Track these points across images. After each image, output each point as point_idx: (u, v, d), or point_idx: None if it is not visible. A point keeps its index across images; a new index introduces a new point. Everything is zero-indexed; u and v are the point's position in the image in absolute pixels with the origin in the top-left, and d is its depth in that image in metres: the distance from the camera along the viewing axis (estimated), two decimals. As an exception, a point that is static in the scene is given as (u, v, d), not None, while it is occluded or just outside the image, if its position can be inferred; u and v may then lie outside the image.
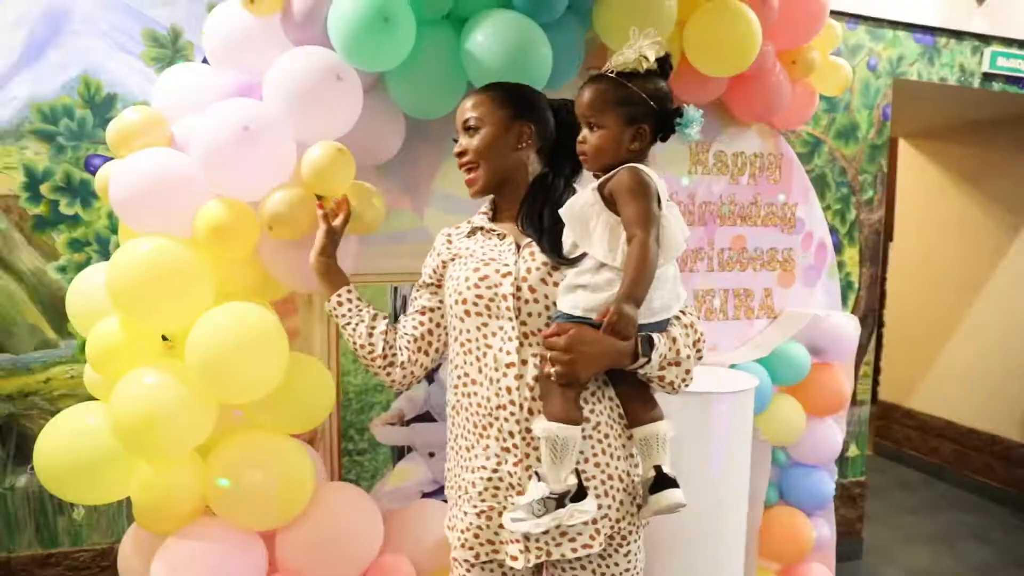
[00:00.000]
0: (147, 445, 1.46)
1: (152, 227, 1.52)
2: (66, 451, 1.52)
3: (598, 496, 1.24)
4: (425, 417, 2.10)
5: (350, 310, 1.43)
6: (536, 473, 1.20)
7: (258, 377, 1.48)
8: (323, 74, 1.52)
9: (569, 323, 1.19)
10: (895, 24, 3.01)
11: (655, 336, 1.20)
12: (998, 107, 3.56)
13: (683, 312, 1.28)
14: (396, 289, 2.05)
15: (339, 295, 1.43)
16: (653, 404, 1.27)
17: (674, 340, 1.23)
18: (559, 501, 1.16)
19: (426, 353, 1.44)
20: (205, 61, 2.13)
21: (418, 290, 1.46)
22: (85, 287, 1.64)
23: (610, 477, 1.27)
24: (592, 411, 1.26)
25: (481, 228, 1.39)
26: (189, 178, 1.51)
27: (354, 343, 1.42)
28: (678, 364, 1.24)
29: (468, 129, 1.35)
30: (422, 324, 1.43)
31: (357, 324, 1.42)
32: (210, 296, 1.52)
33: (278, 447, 1.60)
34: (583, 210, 1.22)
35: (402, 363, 1.42)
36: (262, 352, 1.46)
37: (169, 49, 2.17)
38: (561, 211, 1.23)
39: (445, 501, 1.82)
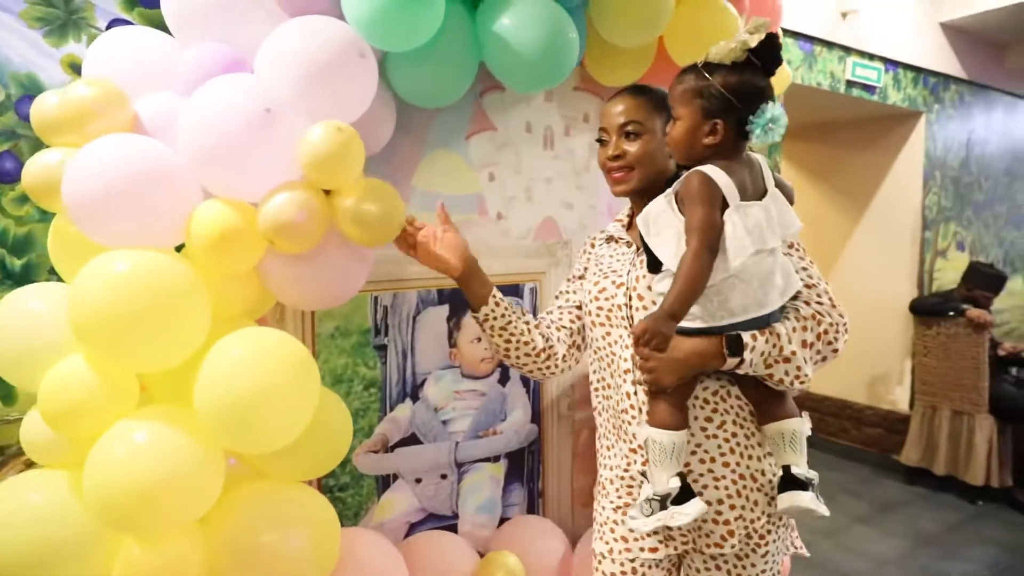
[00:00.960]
0: (145, 523, 1.13)
1: (123, 237, 1.18)
2: (13, 541, 1.13)
3: (729, 496, 1.24)
4: (410, 440, 1.88)
5: (507, 309, 1.44)
6: (643, 474, 1.27)
7: (290, 423, 1.20)
8: (345, 50, 1.27)
9: None
10: (785, 31, 3.25)
11: (745, 335, 1.16)
12: (851, 110, 4.02)
13: (807, 303, 1.24)
14: (376, 299, 1.81)
15: (495, 296, 1.43)
16: (781, 401, 1.23)
17: (778, 336, 1.18)
18: (662, 503, 1.17)
19: (579, 348, 1.49)
20: (114, 24, 1.74)
21: (570, 282, 1.55)
22: (10, 319, 1.23)
23: (741, 476, 1.24)
24: (715, 410, 1.26)
25: (613, 237, 1.46)
26: (175, 173, 1.19)
27: (511, 343, 1.44)
28: (787, 361, 1.18)
29: (628, 135, 1.34)
30: (578, 319, 1.48)
31: (516, 322, 1.44)
32: (207, 324, 1.21)
33: (298, 500, 1.32)
34: (658, 216, 1.21)
35: (563, 356, 1.48)
36: (296, 391, 1.18)
37: (60, 9, 1.71)
38: (638, 218, 1.25)
39: (446, 529, 1.87)
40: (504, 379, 2.02)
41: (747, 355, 1.16)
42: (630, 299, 1.31)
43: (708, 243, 1.12)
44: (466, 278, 1.42)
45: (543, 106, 2.04)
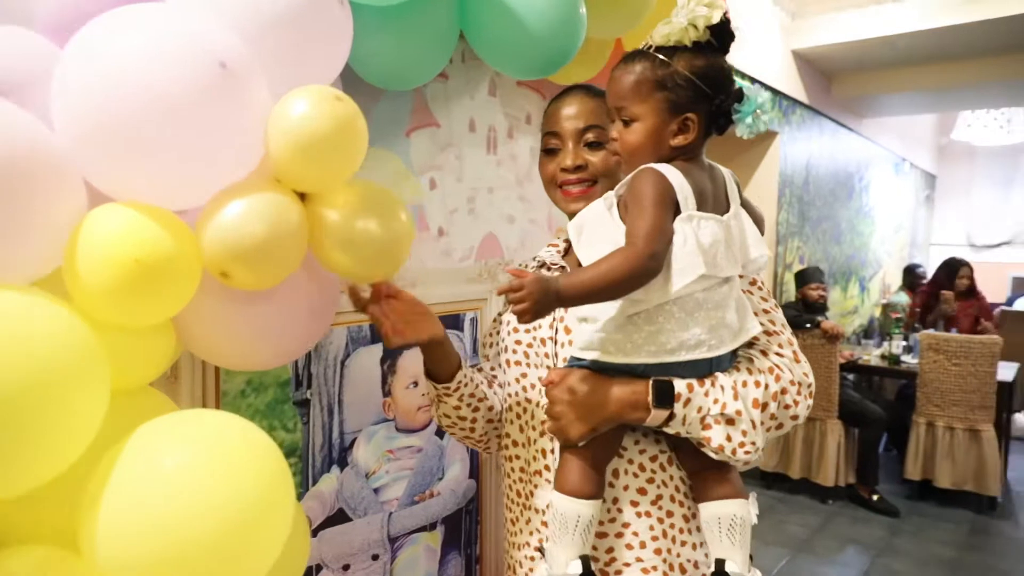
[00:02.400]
0: None
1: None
2: None
3: None
4: (337, 518, 1.46)
5: (472, 380, 1.16)
6: (540, 549, 1.02)
7: (253, 567, 0.76)
8: (321, -7, 0.86)
9: (572, 367, 0.98)
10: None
11: (679, 383, 0.92)
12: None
13: (764, 352, 1.00)
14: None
15: (463, 372, 1.14)
16: (723, 475, 0.97)
17: (722, 389, 0.93)
18: None
19: None
20: None
21: (496, 323, 1.27)
22: None
23: (672, 568, 0.99)
24: (651, 480, 1.00)
25: (545, 264, 1.17)
26: (52, 161, 0.71)
27: (479, 411, 1.16)
28: (731, 422, 0.92)
29: (590, 144, 1.09)
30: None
31: (480, 384, 1.17)
32: (103, 410, 0.75)
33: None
34: (594, 223, 0.97)
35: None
36: (268, 524, 0.75)
37: None
38: (570, 224, 1.01)
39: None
40: (442, 430, 1.65)
41: (679, 409, 0.91)
42: (556, 332, 1.06)
43: (653, 251, 0.87)
44: (442, 341, 1.11)
45: (487, 102, 1.72)
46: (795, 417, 0.98)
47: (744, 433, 0.92)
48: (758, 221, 1.05)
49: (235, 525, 0.70)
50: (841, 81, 4.94)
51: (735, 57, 3.57)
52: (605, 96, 1.05)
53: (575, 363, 0.98)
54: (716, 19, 0.90)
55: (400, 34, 1.10)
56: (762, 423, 0.94)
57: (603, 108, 1.09)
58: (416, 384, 1.59)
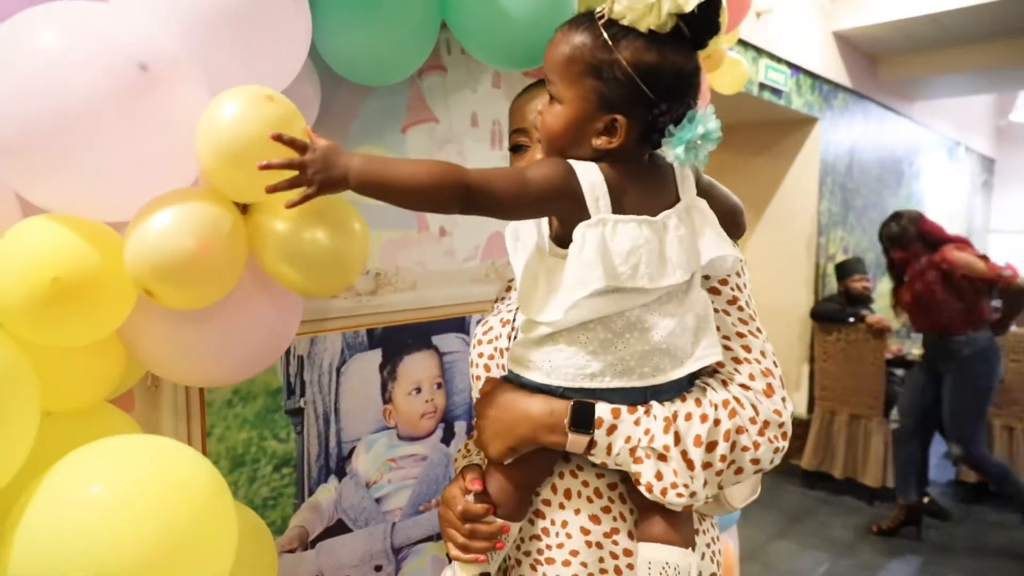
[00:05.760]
0: None
1: None
2: None
3: None
4: (336, 529, 1.42)
5: None
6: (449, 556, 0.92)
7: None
8: (271, -17, 0.81)
9: (504, 380, 0.91)
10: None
11: (603, 407, 0.81)
12: (756, 114, 3.96)
13: (725, 382, 0.86)
14: (289, 349, 1.32)
15: None
16: (669, 517, 0.84)
17: (654, 418, 0.81)
18: None
19: None
20: None
21: None
22: None
23: None
24: (606, 511, 0.89)
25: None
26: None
27: None
28: (662, 459, 0.80)
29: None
30: None
31: None
32: (30, 440, 0.70)
33: None
34: (529, 227, 0.89)
35: None
36: (202, 553, 0.70)
37: None
38: (506, 231, 0.91)
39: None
40: (448, 436, 1.60)
41: (601, 436, 0.81)
42: (512, 342, 0.96)
43: (471, 185, 0.75)
44: None
45: (491, 94, 1.64)
46: (755, 461, 0.83)
47: (675, 472, 0.80)
48: (729, 209, 0.94)
49: (164, 555, 0.65)
50: (888, 63, 4.69)
51: (771, 40, 3.41)
52: None
53: (511, 376, 0.90)
54: (688, 7, 0.73)
55: (374, 26, 1.04)
56: (706, 464, 0.81)
57: None
58: (419, 390, 1.54)
